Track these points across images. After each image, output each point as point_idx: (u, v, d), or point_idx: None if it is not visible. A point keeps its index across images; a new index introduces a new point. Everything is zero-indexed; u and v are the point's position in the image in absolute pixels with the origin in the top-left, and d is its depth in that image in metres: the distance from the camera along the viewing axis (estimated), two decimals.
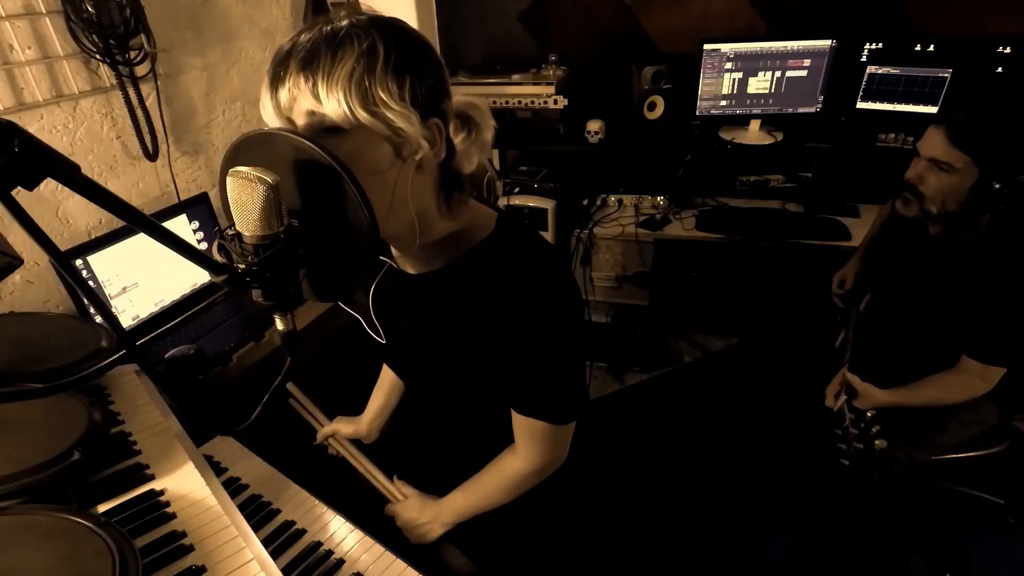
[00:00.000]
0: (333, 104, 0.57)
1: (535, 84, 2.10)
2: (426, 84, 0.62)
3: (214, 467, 1.02)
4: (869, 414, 1.19)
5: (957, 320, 1.23)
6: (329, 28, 0.59)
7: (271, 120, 0.62)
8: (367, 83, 0.57)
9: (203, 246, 1.57)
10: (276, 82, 0.59)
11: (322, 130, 0.59)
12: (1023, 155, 1.09)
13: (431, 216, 0.71)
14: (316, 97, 0.57)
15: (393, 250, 0.81)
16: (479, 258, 0.74)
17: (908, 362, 1.32)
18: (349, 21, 0.59)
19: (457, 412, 0.95)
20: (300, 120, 0.60)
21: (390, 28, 0.61)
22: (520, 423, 0.82)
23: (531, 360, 0.75)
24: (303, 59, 0.57)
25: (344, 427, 1.18)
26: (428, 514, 0.96)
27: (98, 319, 1.17)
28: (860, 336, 1.48)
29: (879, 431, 1.16)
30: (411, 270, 0.80)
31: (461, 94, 0.72)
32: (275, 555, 0.85)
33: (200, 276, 1.54)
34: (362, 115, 0.58)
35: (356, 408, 1.22)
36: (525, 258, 0.74)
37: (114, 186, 1.45)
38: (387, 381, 1.17)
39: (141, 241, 1.37)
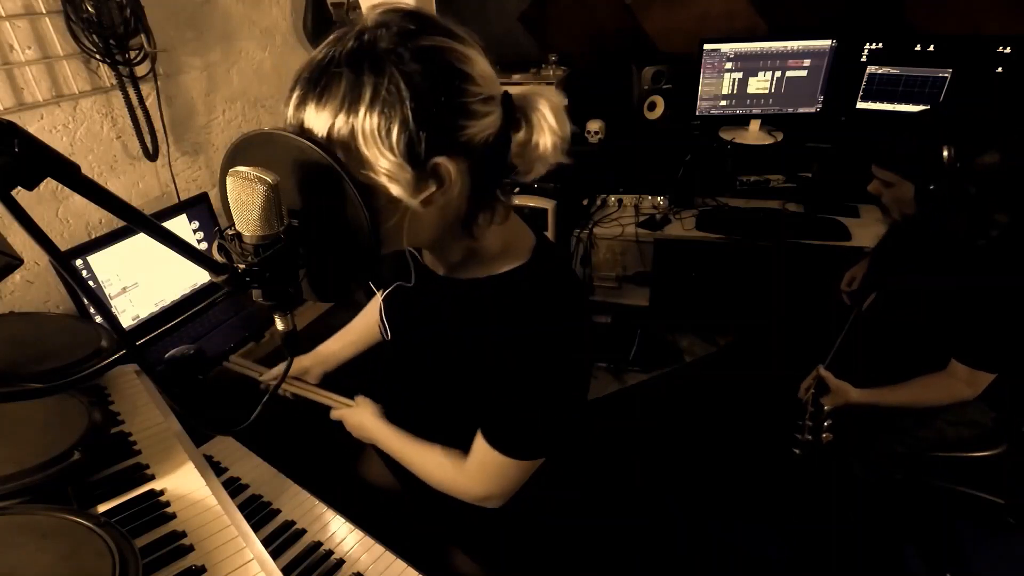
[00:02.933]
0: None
1: (535, 84, 2.10)
2: (431, 125, 0.55)
3: (214, 467, 1.02)
4: (826, 408, 1.27)
5: (949, 323, 1.25)
6: (316, 65, 0.55)
7: None
8: (354, 147, 0.55)
9: (203, 246, 1.57)
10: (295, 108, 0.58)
11: None
12: (938, 160, 1.16)
13: (444, 240, 0.69)
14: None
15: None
16: (504, 284, 0.72)
17: (904, 364, 1.33)
18: (343, 55, 0.54)
19: (434, 422, 0.92)
20: None
21: (388, 58, 0.53)
22: (477, 444, 0.79)
23: (511, 395, 0.72)
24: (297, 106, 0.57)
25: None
26: (368, 428, 0.94)
27: (98, 319, 1.17)
28: (857, 336, 1.50)
29: (830, 425, 1.26)
30: (436, 270, 0.79)
31: (519, 86, 0.63)
32: (275, 555, 0.85)
33: (200, 276, 1.54)
34: (358, 175, 0.56)
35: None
36: (547, 302, 0.71)
37: (114, 186, 1.45)
38: (353, 335, 1.15)
39: (141, 241, 1.38)
